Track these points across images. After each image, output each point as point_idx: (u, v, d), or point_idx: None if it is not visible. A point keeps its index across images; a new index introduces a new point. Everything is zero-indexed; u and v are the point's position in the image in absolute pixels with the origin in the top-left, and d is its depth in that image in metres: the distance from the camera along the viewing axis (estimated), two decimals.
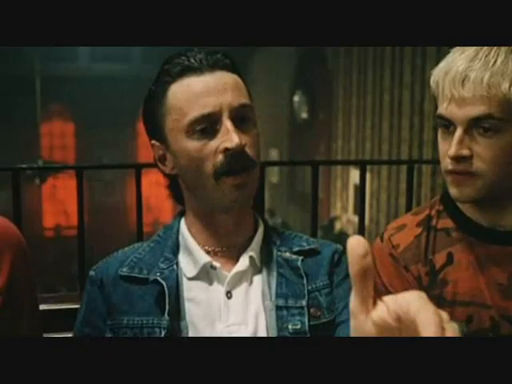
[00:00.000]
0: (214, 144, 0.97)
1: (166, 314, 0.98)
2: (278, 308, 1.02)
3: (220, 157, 0.97)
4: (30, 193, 8.73)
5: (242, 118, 0.99)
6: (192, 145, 0.97)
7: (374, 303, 0.53)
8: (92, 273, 1.07)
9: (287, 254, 1.07)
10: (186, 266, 1.05)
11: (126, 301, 1.02)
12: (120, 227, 8.44)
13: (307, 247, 1.10)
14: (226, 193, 0.99)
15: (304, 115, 7.71)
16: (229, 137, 0.96)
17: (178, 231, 1.08)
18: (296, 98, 7.77)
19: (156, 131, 1.03)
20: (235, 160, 0.97)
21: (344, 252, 1.12)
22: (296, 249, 1.09)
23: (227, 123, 0.96)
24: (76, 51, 10.09)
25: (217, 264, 1.03)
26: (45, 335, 1.13)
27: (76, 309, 1.10)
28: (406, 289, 1.09)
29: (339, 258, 1.11)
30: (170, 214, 9.08)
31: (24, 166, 1.98)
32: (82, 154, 10.51)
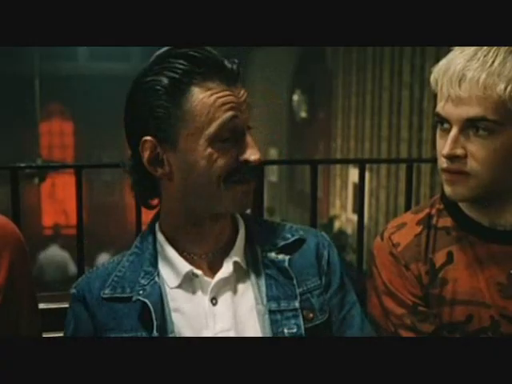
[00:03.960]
0: (233, 152, 0.97)
1: (154, 331, 0.96)
2: (272, 312, 1.00)
3: (237, 165, 0.97)
4: (29, 192, 8.72)
5: (248, 122, 1.00)
6: (212, 151, 0.95)
7: None
8: (74, 291, 1.05)
9: (273, 254, 1.05)
10: (168, 275, 1.02)
11: (112, 318, 1.00)
12: (119, 226, 8.43)
13: (292, 239, 1.08)
14: (236, 199, 0.98)
15: (303, 114, 7.71)
16: (253, 150, 0.97)
17: (154, 240, 1.05)
18: (295, 97, 7.77)
19: (158, 129, 0.96)
20: (250, 171, 0.98)
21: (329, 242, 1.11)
22: (281, 243, 1.06)
23: (249, 136, 0.98)
24: (75, 50, 10.08)
25: (198, 272, 1.01)
26: (43, 334, 1.13)
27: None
28: (406, 287, 1.09)
29: (328, 255, 1.09)
30: None
31: (23, 164, 1.98)
32: (81, 152, 10.50)
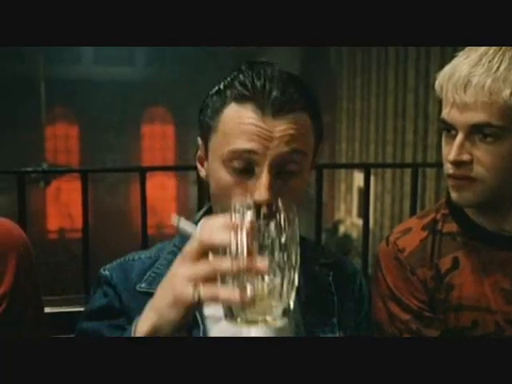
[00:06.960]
0: (244, 186, 0.90)
1: (201, 334, 0.94)
2: (309, 324, 0.99)
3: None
4: (35, 196, 8.75)
5: (286, 163, 0.90)
6: (224, 175, 0.91)
7: None
8: (106, 273, 1.01)
9: (316, 268, 1.04)
10: None
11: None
12: (124, 230, 8.45)
13: (332, 259, 1.07)
14: None
15: None
16: (260, 192, 0.86)
17: None
18: None
19: (204, 135, 0.95)
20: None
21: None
22: (323, 260, 1.06)
23: (264, 173, 0.87)
24: (80, 54, 10.12)
25: None
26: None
27: (81, 311, 1.10)
28: (411, 292, 1.09)
29: (360, 282, 1.09)
30: None
31: (29, 169, 1.99)
32: (86, 156, 10.53)
